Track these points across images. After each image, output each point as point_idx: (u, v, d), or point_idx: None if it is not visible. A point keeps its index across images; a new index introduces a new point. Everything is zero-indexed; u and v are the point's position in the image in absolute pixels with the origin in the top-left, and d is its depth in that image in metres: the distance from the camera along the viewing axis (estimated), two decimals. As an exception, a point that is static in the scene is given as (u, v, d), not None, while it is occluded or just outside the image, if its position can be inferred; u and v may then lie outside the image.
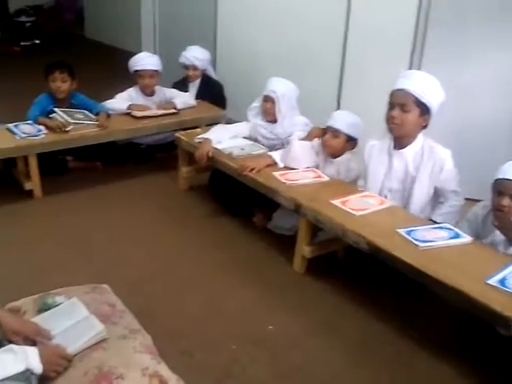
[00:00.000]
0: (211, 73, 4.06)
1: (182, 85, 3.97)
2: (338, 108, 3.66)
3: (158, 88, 3.76)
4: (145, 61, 3.63)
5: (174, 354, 1.93)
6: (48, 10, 7.83)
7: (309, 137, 2.96)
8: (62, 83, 3.35)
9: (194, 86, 3.97)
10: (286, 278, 2.58)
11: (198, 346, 2.09)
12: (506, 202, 2.06)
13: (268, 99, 3.03)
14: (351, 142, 2.77)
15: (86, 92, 3.65)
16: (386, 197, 2.54)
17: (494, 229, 2.16)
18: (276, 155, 2.89)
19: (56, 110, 3.33)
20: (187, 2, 4.95)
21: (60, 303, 1.84)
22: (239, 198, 3.07)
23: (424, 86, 2.35)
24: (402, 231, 2.22)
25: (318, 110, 3.25)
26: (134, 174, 3.56)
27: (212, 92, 3.94)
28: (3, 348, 1.56)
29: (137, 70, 3.63)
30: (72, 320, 1.73)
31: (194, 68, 3.86)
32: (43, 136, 3.16)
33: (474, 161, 3.10)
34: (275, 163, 2.87)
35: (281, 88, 3.00)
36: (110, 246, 2.75)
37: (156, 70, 3.67)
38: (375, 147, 2.57)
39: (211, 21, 4.58)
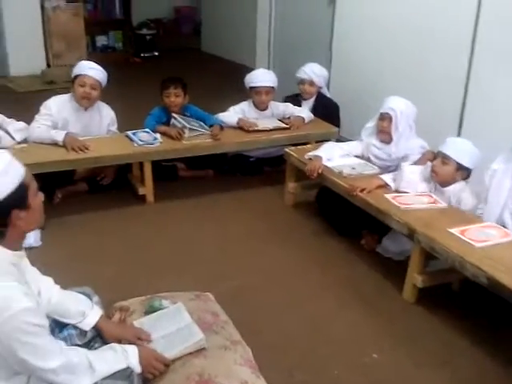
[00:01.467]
0: (326, 92, 4.10)
1: (293, 100, 4.04)
2: (459, 132, 3.51)
3: (271, 102, 3.88)
4: (261, 77, 3.76)
5: (272, 370, 1.95)
6: (167, 23, 8.41)
7: (422, 160, 2.90)
8: (175, 98, 3.59)
9: (307, 104, 4.01)
10: (394, 305, 2.53)
11: (298, 366, 2.11)
12: None
13: (385, 117, 3.00)
14: (462, 171, 2.66)
15: (200, 103, 3.87)
16: (508, 223, 2.41)
17: None
18: (387, 177, 2.85)
19: (174, 115, 3.57)
20: (304, 17, 5.06)
21: (166, 307, 1.94)
22: (347, 218, 3.06)
23: None
24: (529, 268, 2.09)
25: (436, 133, 3.17)
26: (242, 185, 3.70)
27: (327, 111, 3.96)
28: (105, 346, 1.70)
29: (253, 87, 3.77)
30: (175, 325, 1.83)
31: (311, 83, 3.91)
32: (159, 144, 3.40)
33: None
34: (387, 185, 2.83)
35: (399, 106, 2.96)
36: (216, 255, 2.88)
37: (272, 87, 3.79)
38: (498, 171, 2.46)
39: (327, 37, 4.64)
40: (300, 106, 3.99)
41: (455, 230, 2.40)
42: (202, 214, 3.33)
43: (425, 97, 3.56)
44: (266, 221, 3.27)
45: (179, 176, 3.77)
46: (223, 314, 2.00)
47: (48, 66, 6.49)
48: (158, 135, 3.46)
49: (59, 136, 3.24)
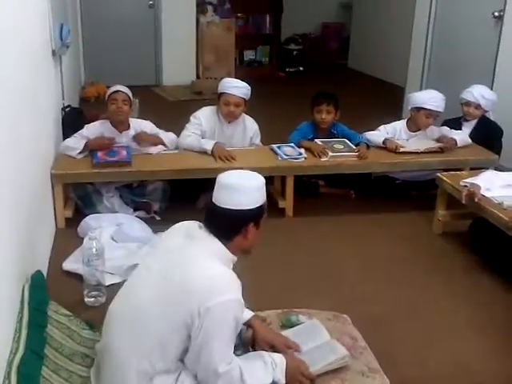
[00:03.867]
0: (490, 116, 3.95)
1: (454, 122, 3.97)
2: None
3: (430, 126, 3.83)
4: (433, 100, 3.70)
5: None
6: (314, 38, 8.69)
7: None
8: (326, 115, 3.71)
9: (469, 125, 3.91)
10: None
11: None
12: None
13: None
14: None
15: (347, 121, 3.96)
16: None
17: None
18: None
19: (317, 140, 3.69)
20: (465, 38, 4.92)
21: (302, 322, 2.00)
22: (504, 254, 2.91)
23: None
24: None
25: None
26: (385, 208, 3.69)
27: (488, 134, 3.83)
28: (254, 353, 1.78)
29: (416, 108, 3.73)
30: (315, 341, 1.87)
31: (477, 107, 3.81)
32: (303, 159, 3.55)
33: None
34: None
35: None
36: (356, 278, 2.91)
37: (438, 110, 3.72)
38: None
39: (491, 58, 4.47)
40: (460, 128, 3.91)
41: None
42: (341, 233, 3.39)
43: None
44: (411, 247, 3.23)
45: (320, 193, 3.88)
46: (362, 339, 2.02)
47: (197, 77, 7.09)
48: (302, 150, 3.60)
49: (208, 145, 3.51)
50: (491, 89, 4.14)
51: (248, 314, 1.90)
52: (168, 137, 3.61)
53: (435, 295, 2.78)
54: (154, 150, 3.53)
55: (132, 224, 3.13)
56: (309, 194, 3.81)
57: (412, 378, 2.18)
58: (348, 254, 3.15)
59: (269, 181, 3.57)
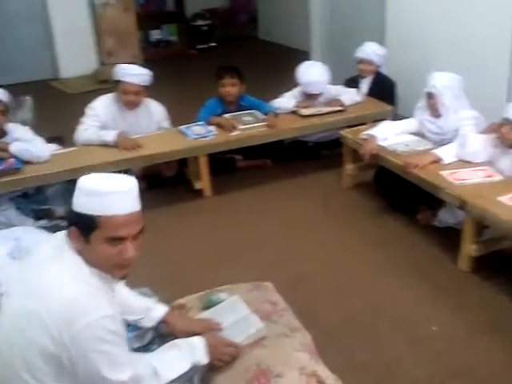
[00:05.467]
0: (384, 71, 4.46)
1: (353, 82, 4.46)
2: (509, 100, 3.80)
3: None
4: (318, 86, 4.11)
5: (333, 353, 2.21)
6: (223, 12, 8.95)
7: (486, 131, 3.20)
8: (231, 88, 3.98)
9: (365, 83, 4.43)
10: (450, 277, 2.88)
11: (359, 346, 2.40)
12: None
13: (430, 95, 3.34)
14: None
15: (258, 90, 4.27)
16: None
17: None
18: (441, 151, 3.20)
19: (225, 115, 3.95)
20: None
21: (223, 300, 2.07)
22: (405, 196, 3.42)
23: None
24: None
25: (487, 102, 3.48)
26: (301, 171, 4.13)
27: (383, 89, 4.35)
28: (169, 344, 1.76)
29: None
30: (233, 317, 1.95)
31: (370, 63, 4.31)
32: (213, 137, 3.72)
33: None
34: (439, 160, 3.17)
35: (442, 82, 3.29)
36: (276, 244, 3.26)
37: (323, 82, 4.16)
38: None
39: (380, 15, 5.01)
40: (358, 86, 4.40)
41: (505, 198, 2.73)
42: (260, 204, 3.73)
43: (474, 66, 3.97)
44: (325, 205, 3.67)
45: (237, 167, 4.19)
46: (282, 302, 2.15)
47: (102, 64, 6.92)
48: (212, 128, 3.82)
49: (109, 136, 3.55)
50: (384, 45, 4.66)
51: (161, 311, 1.92)
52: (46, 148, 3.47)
53: (349, 245, 3.22)
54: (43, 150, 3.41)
55: (32, 236, 2.82)
56: (226, 171, 4.07)
57: (333, 327, 2.51)
58: (267, 222, 3.48)
59: (184, 163, 3.86)
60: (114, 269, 1.58)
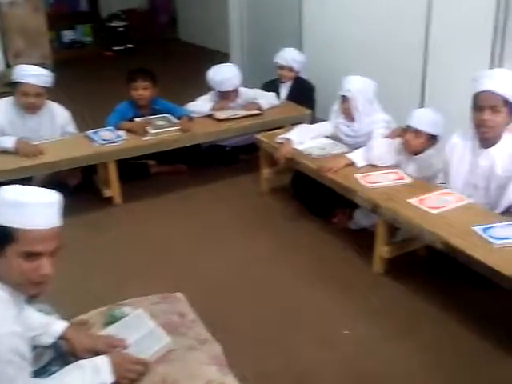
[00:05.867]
0: (304, 75, 4.51)
1: (272, 85, 4.49)
2: (422, 104, 3.98)
3: (241, 90, 4.28)
4: (228, 83, 4.09)
5: (245, 362, 2.21)
6: (142, 13, 8.81)
7: (391, 135, 3.30)
8: (143, 91, 3.89)
9: (285, 87, 4.47)
10: (364, 279, 2.93)
11: (270, 354, 2.39)
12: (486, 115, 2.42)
13: (344, 99, 3.41)
14: (433, 139, 3.07)
15: (175, 94, 4.19)
16: (469, 195, 2.80)
17: None
18: (354, 155, 3.26)
19: (137, 119, 3.85)
20: (273, 2, 5.51)
21: (127, 315, 2.00)
22: (321, 199, 3.46)
23: (509, 84, 2.61)
24: (477, 229, 2.49)
25: (401, 105, 3.59)
26: (218, 176, 4.10)
27: (303, 93, 4.40)
28: (71, 365, 1.68)
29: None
30: (138, 333, 1.90)
31: (290, 69, 4.36)
32: (123, 142, 3.62)
33: None
34: (353, 163, 3.23)
35: (355, 85, 3.36)
36: (191, 252, 3.20)
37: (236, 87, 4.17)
38: (458, 145, 2.85)
39: (296, 19, 5.11)
40: (278, 90, 4.43)
41: (414, 200, 2.81)
42: (174, 211, 3.65)
43: (388, 70, 4.11)
44: (241, 210, 3.65)
45: (151, 173, 4.09)
46: (192, 313, 2.12)
47: (8, 66, 6.64)
48: (121, 133, 3.70)
49: (8, 142, 3.41)
50: (301, 48, 4.73)
51: (61, 326, 1.85)
52: None
53: (264, 251, 3.21)
54: None
55: None
56: (139, 177, 3.98)
57: (244, 335, 2.48)
58: (182, 230, 3.42)
59: (92, 170, 3.69)
60: (27, 285, 1.52)
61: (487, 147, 2.73)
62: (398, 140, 3.20)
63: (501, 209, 2.73)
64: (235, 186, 3.98)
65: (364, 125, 3.42)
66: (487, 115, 2.61)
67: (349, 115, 3.45)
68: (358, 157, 3.26)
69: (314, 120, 4.17)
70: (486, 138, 2.72)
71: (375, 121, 3.39)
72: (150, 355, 1.82)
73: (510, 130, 2.72)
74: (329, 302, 2.76)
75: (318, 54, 4.84)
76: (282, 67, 4.37)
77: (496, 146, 2.71)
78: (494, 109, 2.60)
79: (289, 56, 4.35)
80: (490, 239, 2.41)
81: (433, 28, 3.90)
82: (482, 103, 2.63)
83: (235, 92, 4.22)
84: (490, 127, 2.64)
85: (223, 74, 4.12)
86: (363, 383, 2.28)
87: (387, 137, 3.29)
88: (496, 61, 3.51)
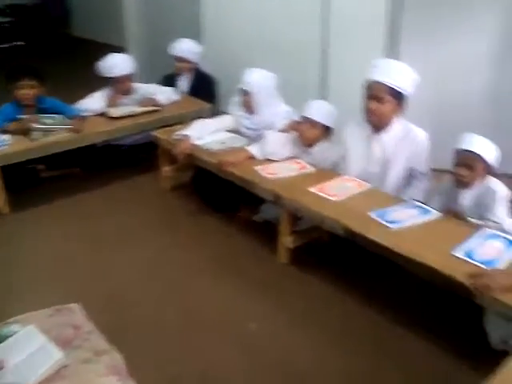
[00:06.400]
0: (203, 67, 4.46)
1: (170, 79, 4.41)
2: (323, 96, 4.06)
3: (136, 85, 4.17)
4: (118, 67, 3.98)
5: (147, 369, 2.17)
6: (33, 8, 8.38)
7: (286, 128, 3.33)
8: (30, 90, 3.63)
9: (185, 80, 4.41)
10: (269, 270, 2.94)
11: (171, 359, 2.31)
12: (462, 171, 2.50)
13: (244, 92, 3.40)
14: (327, 130, 3.13)
15: (68, 92, 3.99)
16: (366, 180, 2.88)
17: (459, 197, 2.58)
18: (253, 148, 3.26)
19: (21, 116, 3.58)
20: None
21: (16, 332, 1.95)
22: (224, 194, 3.44)
23: (397, 75, 2.73)
24: (374, 214, 2.56)
25: (301, 98, 3.61)
26: (115, 178, 3.95)
27: (203, 87, 4.36)
28: None
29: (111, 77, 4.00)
30: (28, 350, 1.86)
31: (186, 61, 4.30)
32: (7, 146, 3.39)
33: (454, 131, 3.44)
34: (254, 156, 3.23)
35: (255, 79, 3.37)
36: (89, 259, 3.05)
37: (130, 73, 4.05)
38: (354, 132, 2.95)
39: (195, 11, 5.02)
40: (176, 84, 4.36)
41: (315, 189, 2.85)
42: (69, 217, 3.48)
43: (288, 64, 4.15)
44: (144, 210, 3.56)
45: (41, 179, 3.86)
46: (88, 324, 2.08)
47: None
48: (6, 136, 3.48)
49: None
50: (200, 40, 4.67)
51: None
52: None
53: (168, 249, 3.14)
54: None
55: None
56: (28, 183, 3.75)
57: (147, 341, 2.40)
58: (78, 237, 3.25)
59: None
60: None
61: (378, 133, 2.84)
62: (293, 133, 3.23)
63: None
64: (134, 187, 3.87)
65: (265, 117, 3.43)
66: (373, 104, 2.74)
67: (249, 108, 3.45)
68: (257, 149, 3.26)
69: (217, 113, 4.11)
70: (373, 125, 2.83)
71: (276, 113, 3.41)
72: (43, 372, 1.79)
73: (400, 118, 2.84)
74: (235, 297, 2.74)
75: (220, 47, 4.81)
76: (178, 59, 4.32)
77: (386, 132, 2.82)
78: (379, 98, 2.72)
79: (185, 47, 4.30)
80: (386, 223, 2.49)
81: (330, 22, 4.00)
82: (369, 92, 2.75)
83: (129, 83, 4.09)
84: (376, 116, 2.77)
85: (113, 60, 4.00)
86: (271, 375, 2.27)
87: (283, 130, 3.32)
88: (389, 53, 3.67)
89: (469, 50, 3.73)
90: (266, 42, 4.47)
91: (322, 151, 3.15)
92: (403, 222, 2.47)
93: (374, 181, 2.88)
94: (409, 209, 2.61)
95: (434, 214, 2.55)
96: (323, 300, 2.70)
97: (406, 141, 2.81)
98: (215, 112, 4.21)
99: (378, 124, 2.82)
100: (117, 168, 4.09)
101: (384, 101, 2.73)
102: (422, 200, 2.73)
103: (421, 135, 2.82)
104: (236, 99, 3.59)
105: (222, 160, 3.19)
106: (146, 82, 4.32)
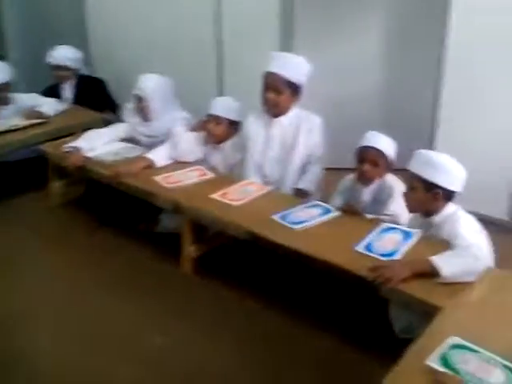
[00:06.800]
0: (86, 72, 4.35)
1: (53, 90, 4.25)
2: (221, 93, 4.11)
3: (14, 95, 3.97)
4: None
5: None
6: None
7: (193, 129, 3.32)
8: None
9: (69, 89, 4.28)
10: (173, 282, 2.88)
11: (77, 381, 2.22)
12: (367, 167, 2.64)
13: (139, 98, 3.34)
14: (234, 125, 3.20)
15: None
16: (269, 168, 3.04)
17: (362, 194, 2.72)
18: (153, 154, 3.21)
19: None
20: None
21: None
22: (120, 208, 3.34)
23: (292, 67, 2.91)
24: (276, 216, 2.60)
25: (200, 100, 3.62)
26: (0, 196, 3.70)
27: (93, 91, 4.25)
28: None
29: None
30: None
31: (66, 68, 4.17)
32: None
33: (350, 130, 3.61)
34: (152, 163, 3.18)
35: (150, 85, 3.33)
36: None
37: (7, 82, 3.87)
38: (253, 122, 3.07)
39: (80, 14, 4.90)
40: (60, 94, 4.23)
41: (216, 195, 2.85)
42: None
43: (184, 65, 4.20)
44: (32, 230, 3.38)
45: None
46: None
47: None
48: None
49: None
50: (87, 48, 4.55)
51: None
52: None
53: (62, 271, 3.00)
54: None
55: None
56: None
57: (40, 373, 2.27)
58: None
59: None
60: None
61: (277, 117, 3.00)
62: (200, 132, 3.24)
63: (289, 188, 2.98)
64: (22, 204, 3.67)
65: (162, 123, 3.39)
66: (271, 94, 2.91)
67: (145, 115, 3.39)
68: (157, 156, 3.21)
69: (118, 121, 3.94)
70: (272, 115, 3.01)
71: (174, 118, 3.38)
72: None
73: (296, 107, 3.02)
74: (137, 311, 2.66)
75: (107, 51, 4.72)
76: (56, 67, 4.19)
77: (285, 116, 3.00)
78: (275, 89, 2.90)
79: (61, 54, 4.19)
80: (289, 225, 2.53)
81: (223, 21, 4.08)
82: (266, 83, 2.91)
83: (5, 93, 3.89)
84: (274, 105, 2.95)
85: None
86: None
87: (191, 130, 3.31)
88: (284, 47, 3.79)
89: (361, 50, 3.94)
90: (159, 43, 4.46)
91: (231, 146, 3.21)
92: (306, 223, 2.53)
93: (276, 168, 3.02)
94: (310, 209, 2.68)
95: (335, 213, 2.64)
96: (226, 307, 2.69)
97: (303, 125, 2.99)
98: (117, 118, 4.05)
99: (276, 113, 3.00)
100: (3, 186, 3.82)
101: (280, 91, 2.90)
102: (316, 185, 2.95)
103: (315, 119, 3.00)
104: (130, 106, 3.51)
105: (116, 171, 3.10)
106: (30, 92, 4.14)
